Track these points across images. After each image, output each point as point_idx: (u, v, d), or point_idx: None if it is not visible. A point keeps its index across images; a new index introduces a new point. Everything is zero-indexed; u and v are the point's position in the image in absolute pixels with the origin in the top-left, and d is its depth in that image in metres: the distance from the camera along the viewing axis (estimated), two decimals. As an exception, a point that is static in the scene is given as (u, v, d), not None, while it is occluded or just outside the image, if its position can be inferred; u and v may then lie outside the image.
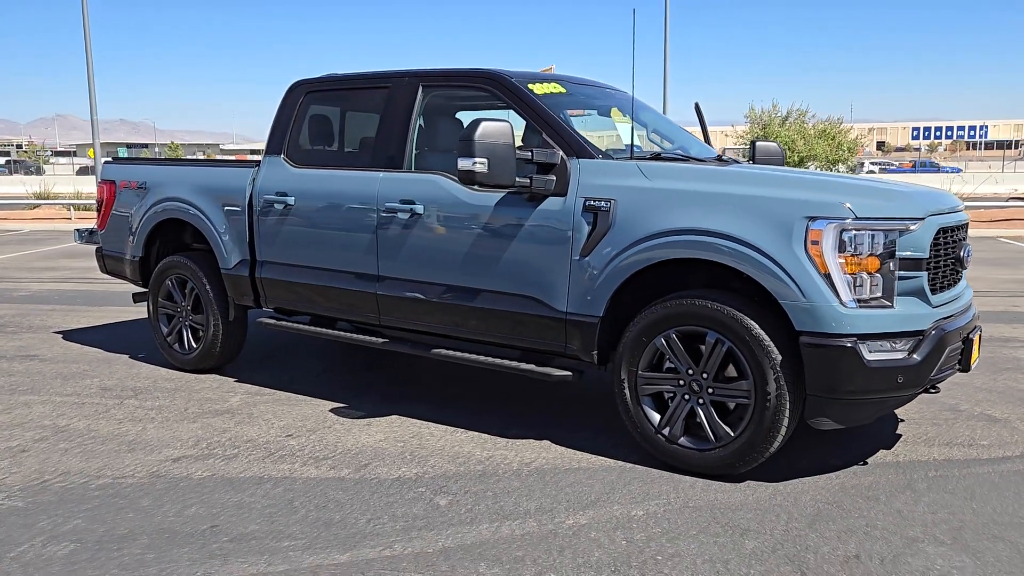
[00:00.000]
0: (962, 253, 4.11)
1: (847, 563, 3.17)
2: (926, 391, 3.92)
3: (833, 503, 3.73)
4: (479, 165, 4.15)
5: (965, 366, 4.07)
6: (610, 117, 5.23)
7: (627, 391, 4.16)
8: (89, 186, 29.70)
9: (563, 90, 4.87)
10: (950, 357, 3.91)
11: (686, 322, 3.96)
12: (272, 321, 5.68)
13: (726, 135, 41.02)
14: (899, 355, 3.68)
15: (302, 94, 5.53)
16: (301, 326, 5.55)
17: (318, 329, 5.44)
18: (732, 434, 3.89)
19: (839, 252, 3.64)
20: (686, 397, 4.02)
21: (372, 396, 5.46)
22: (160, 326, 6.26)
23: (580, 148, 4.34)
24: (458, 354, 4.75)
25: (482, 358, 4.65)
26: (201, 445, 4.55)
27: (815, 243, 3.66)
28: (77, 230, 7.30)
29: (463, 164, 4.17)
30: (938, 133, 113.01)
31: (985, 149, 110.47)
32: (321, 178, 5.31)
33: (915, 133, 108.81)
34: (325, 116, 5.70)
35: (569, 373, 4.39)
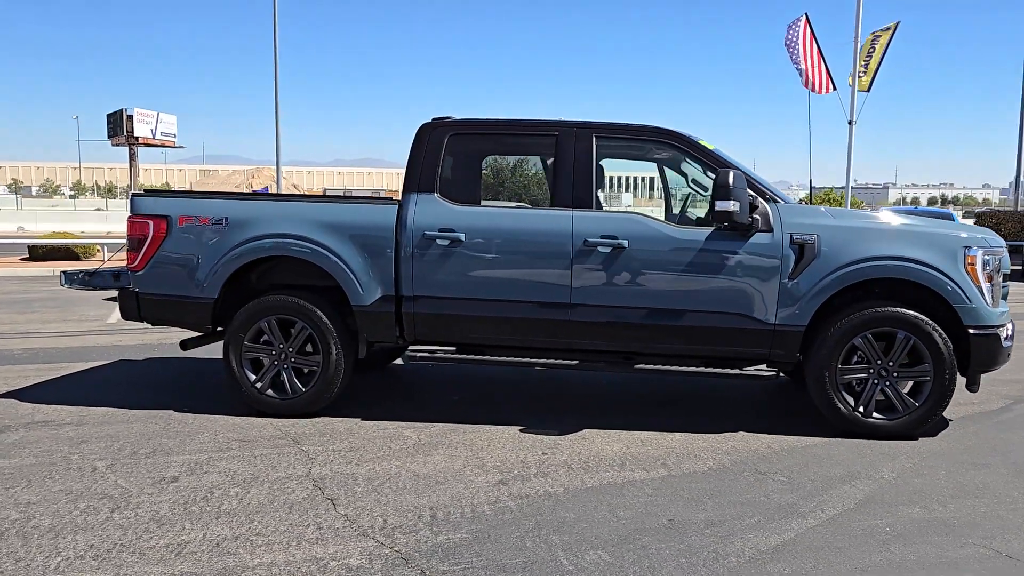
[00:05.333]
0: None
1: (1055, 468, 4.85)
2: None
3: (981, 442, 5.41)
4: (734, 206, 5.13)
5: None
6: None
7: (828, 382, 5.41)
8: None
9: (713, 146, 5.96)
10: None
11: (881, 325, 5.36)
12: (426, 353, 5.80)
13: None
14: (1006, 337, 5.50)
15: (445, 135, 5.79)
16: (468, 356, 5.78)
17: (501, 359, 5.73)
18: (917, 404, 5.37)
19: (983, 269, 5.36)
20: (875, 382, 5.41)
21: (525, 415, 5.85)
22: (246, 372, 5.84)
23: (773, 194, 5.52)
24: (665, 368, 5.56)
25: (689, 368, 5.54)
26: (490, 470, 4.74)
27: (971, 264, 5.33)
28: (65, 272, 6.28)
29: (723, 206, 5.12)
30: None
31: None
32: (499, 215, 5.68)
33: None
34: (480, 157, 6.01)
35: (775, 372, 5.51)
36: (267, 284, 6.13)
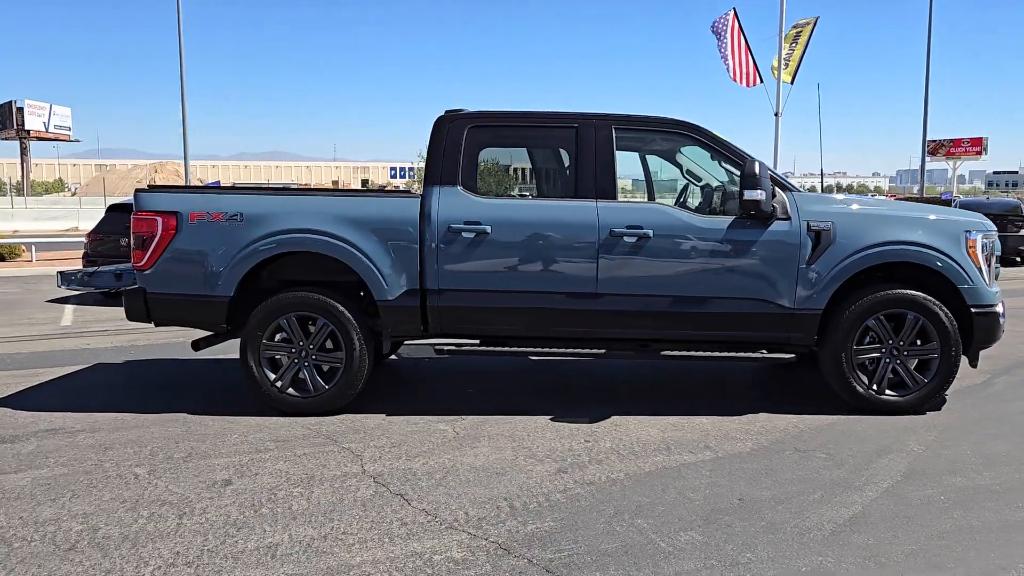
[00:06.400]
0: None
1: (1067, 437, 5.23)
2: None
3: (984, 414, 5.77)
4: (761, 195, 5.31)
5: None
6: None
7: (844, 363, 5.66)
8: None
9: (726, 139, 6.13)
10: None
11: (893, 306, 5.64)
12: (453, 346, 5.79)
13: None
14: (1000, 315, 5.86)
15: (463, 128, 5.77)
16: (495, 348, 5.79)
17: (527, 350, 5.77)
18: (926, 380, 5.68)
19: (982, 252, 5.70)
20: (887, 361, 5.69)
21: (547, 405, 5.89)
22: (265, 372, 5.72)
23: (788, 184, 5.73)
24: (691, 353, 5.71)
25: (715, 354, 5.71)
26: (543, 459, 4.79)
27: (971, 247, 5.66)
28: (61, 272, 5.99)
29: (752, 195, 5.29)
30: (411, 172, 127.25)
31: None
32: (525, 207, 5.72)
33: (392, 172, 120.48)
34: (501, 150, 6.00)
35: (794, 356, 5.73)
36: (276, 281, 5.98)
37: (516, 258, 5.63)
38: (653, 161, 7.02)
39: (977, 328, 5.67)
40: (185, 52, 25.80)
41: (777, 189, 5.62)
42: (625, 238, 5.57)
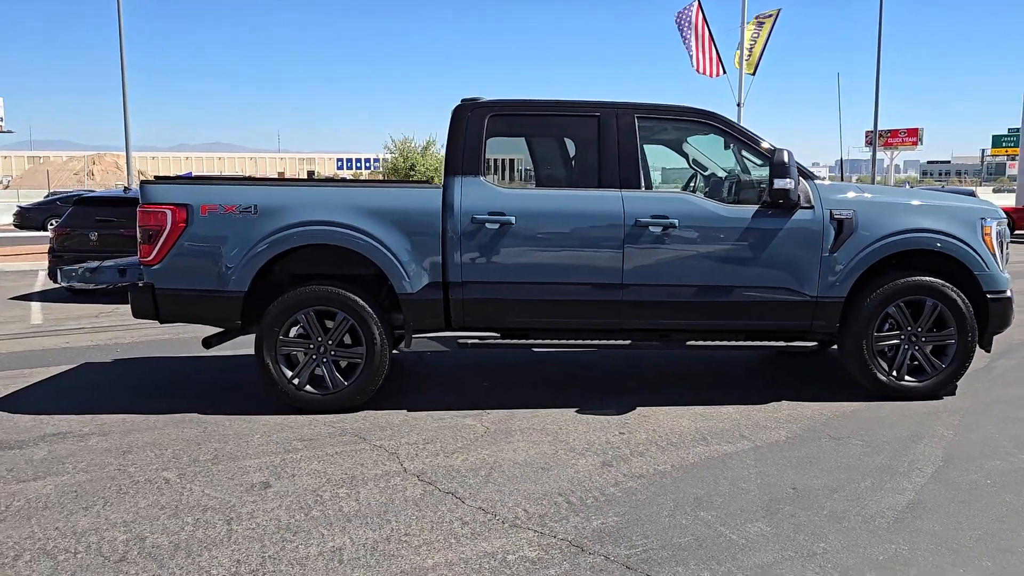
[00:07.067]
0: None
1: (1086, 419, 5.36)
2: None
3: (996, 398, 5.88)
4: (790, 183, 5.32)
5: None
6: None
7: (865, 350, 5.71)
8: None
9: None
10: None
11: (912, 293, 5.70)
12: (477, 340, 5.68)
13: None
14: (1012, 299, 5.97)
15: (485, 117, 5.66)
16: (518, 341, 5.70)
17: (550, 342, 5.69)
18: (944, 366, 5.76)
19: (996, 239, 5.80)
20: (905, 347, 5.76)
21: (566, 397, 5.82)
22: (282, 369, 5.54)
23: (809, 173, 5.75)
24: (716, 343, 5.70)
25: (740, 343, 5.71)
26: (583, 453, 4.73)
27: (987, 234, 5.76)
28: (63, 269, 5.70)
29: (782, 184, 5.29)
30: (358, 164, 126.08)
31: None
32: (549, 197, 5.63)
33: (339, 164, 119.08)
34: (523, 140, 5.89)
35: (816, 344, 5.76)
36: (289, 275, 5.80)
37: (540, 249, 5.54)
38: (649, 149, 6.98)
39: (992, 313, 5.76)
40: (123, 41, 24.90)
41: (800, 178, 5.62)
42: (651, 228, 5.52)
